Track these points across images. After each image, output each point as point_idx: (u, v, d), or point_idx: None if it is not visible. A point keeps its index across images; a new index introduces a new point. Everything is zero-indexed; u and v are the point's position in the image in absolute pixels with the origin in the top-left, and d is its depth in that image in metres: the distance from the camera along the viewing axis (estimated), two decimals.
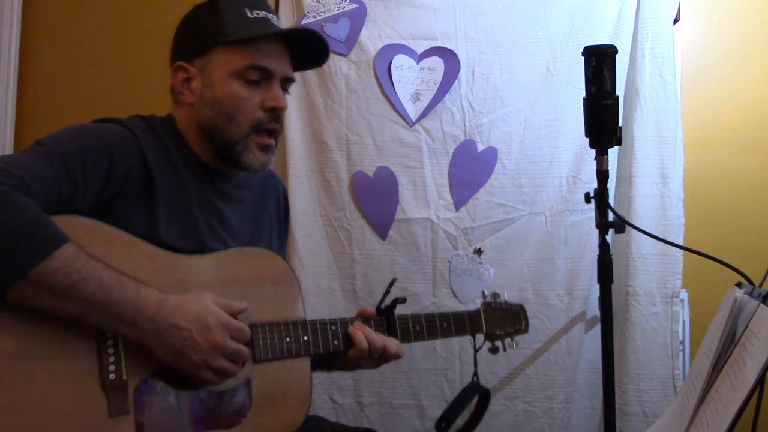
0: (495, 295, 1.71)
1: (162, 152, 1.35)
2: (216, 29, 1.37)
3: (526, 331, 1.72)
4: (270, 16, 1.41)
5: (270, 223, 1.57)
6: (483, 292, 1.73)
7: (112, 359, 1.20)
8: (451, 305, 2.14)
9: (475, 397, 1.67)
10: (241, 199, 1.49)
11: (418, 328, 1.54)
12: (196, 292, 1.26)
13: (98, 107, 2.41)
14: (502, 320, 1.68)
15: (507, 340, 1.68)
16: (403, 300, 1.53)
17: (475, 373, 1.69)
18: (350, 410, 2.15)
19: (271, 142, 1.41)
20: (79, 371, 1.17)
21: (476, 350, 1.67)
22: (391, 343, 1.47)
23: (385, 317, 1.51)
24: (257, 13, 1.39)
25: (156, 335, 1.19)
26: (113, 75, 2.44)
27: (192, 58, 1.40)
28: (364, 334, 1.43)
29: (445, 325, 1.58)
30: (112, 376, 1.19)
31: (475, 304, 2.12)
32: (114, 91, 2.42)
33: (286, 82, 1.43)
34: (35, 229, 1.11)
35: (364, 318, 1.50)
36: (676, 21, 2.12)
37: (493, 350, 1.67)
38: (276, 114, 1.39)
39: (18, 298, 1.11)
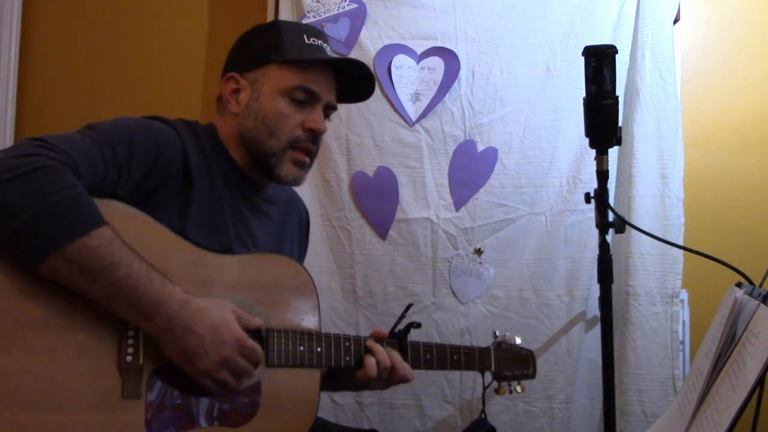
0: (506, 335, 1.73)
1: (202, 157, 1.40)
2: (273, 47, 1.45)
3: (533, 376, 1.74)
4: (325, 46, 1.50)
5: (291, 241, 1.63)
6: (494, 333, 1.75)
7: (131, 342, 1.22)
8: (451, 305, 2.14)
9: None
10: (268, 214, 1.54)
11: (428, 356, 1.57)
12: (221, 301, 1.28)
13: (98, 107, 2.41)
14: (510, 362, 1.70)
15: (514, 383, 1.70)
16: (418, 325, 1.57)
17: (483, 411, 1.73)
18: (350, 410, 2.14)
19: (306, 159, 1.47)
20: (98, 349, 1.20)
21: (485, 388, 1.69)
22: (401, 366, 1.50)
23: (398, 341, 1.54)
24: (314, 41, 1.48)
25: (170, 334, 1.21)
26: (113, 75, 2.44)
27: (245, 71, 1.47)
28: (377, 360, 1.46)
29: (455, 357, 1.61)
30: (129, 359, 1.21)
31: (474, 304, 2.13)
32: (114, 92, 2.42)
33: (328, 109, 1.50)
34: (78, 205, 1.14)
35: (378, 339, 1.52)
36: (676, 21, 2.12)
37: (500, 390, 1.70)
38: (314, 135, 1.46)
39: (50, 271, 1.14)
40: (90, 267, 1.14)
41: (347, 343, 1.46)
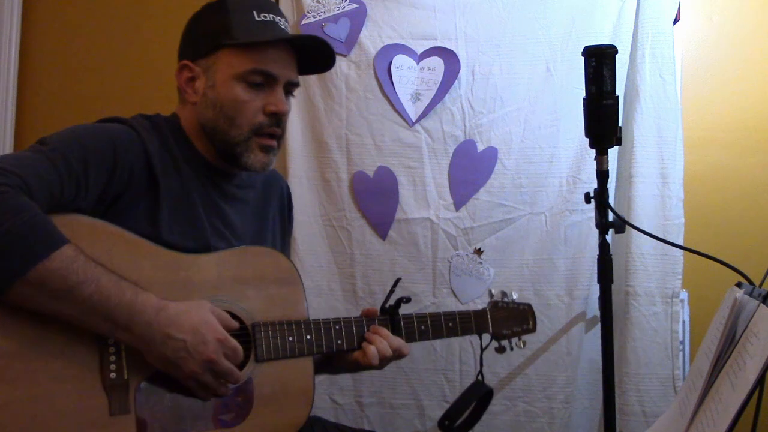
0: (503, 294, 1.71)
1: (166, 151, 1.36)
2: (222, 31, 1.37)
3: (533, 330, 1.71)
4: (278, 19, 1.41)
5: (273, 222, 1.57)
6: (490, 291, 1.73)
7: (113, 358, 1.20)
8: (451, 305, 2.14)
9: (479, 396, 1.66)
10: (245, 199, 1.49)
11: (423, 327, 1.54)
12: (198, 302, 1.26)
13: (98, 107, 2.41)
14: (508, 319, 1.67)
15: (514, 340, 1.68)
16: (408, 299, 1.54)
17: (480, 372, 1.69)
18: (350, 410, 2.14)
19: (273, 143, 1.41)
20: (80, 370, 1.17)
21: (482, 349, 1.67)
22: (400, 345, 1.48)
23: (389, 317, 1.51)
24: (264, 16, 1.39)
25: (150, 342, 1.19)
26: (113, 75, 2.44)
27: (197, 58, 1.40)
28: (377, 349, 1.44)
29: (450, 324, 1.58)
30: (113, 375, 1.19)
31: (474, 304, 2.13)
32: (114, 91, 2.42)
33: (290, 87, 1.43)
34: (34, 229, 1.10)
35: (369, 318, 1.50)
36: (676, 21, 2.12)
37: (500, 350, 1.67)
38: (277, 118, 1.39)
39: (16, 299, 1.11)
40: (56, 289, 1.11)
41: (337, 327, 1.44)
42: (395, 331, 1.50)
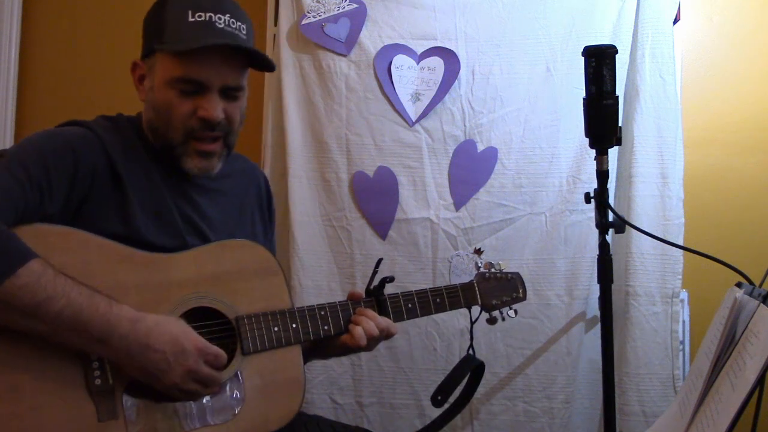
0: (490, 264, 1.68)
1: (129, 150, 1.34)
2: (156, 33, 1.35)
3: (524, 298, 1.67)
4: (216, 17, 1.33)
5: (252, 212, 1.55)
6: (476, 263, 1.69)
7: (96, 365, 1.19)
8: None
9: (470, 370, 1.64)
10: (220, 190, 1.47)
11: (410, 305, 1.52)
12: (171, 317, 1.24)
13: (98, 107, 2.39)
14: (497, 289, 1.64)
15: (505, 310, 1.65)
16: (391, 279, 1.52)
17: (471, 346, 1.67)
18: (350, 410, 2.14)
19: (211, 148, 1.36)
20: (64, 380, 1.16)
21: (472, 323, 1.64)
22: (387, 325, 1.45)
23: (375, 298, 1.50)
24: (199, 16, 1.32)
25: (128, 354, 1.17)
26: (113, 75, 2.43)
27: (144, 57, 1.40)
28: (364, 330, 1.42)
29: (438, 300, 1.56)
30: (98, 382, 1.18)
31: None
32: (114, 91, 2.41)
33: (228, 90, 1.36)
34: None
35: (354, 301, 1.48)
36: (676, 21, 2.12)
37: (491, 321, 1.64)
38: (209, 124, 1.34)
39: None
40: (25, 305, 1.09)
41: (323, 312, 1.42)
42: (382, 311, 1.48)
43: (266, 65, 1.41)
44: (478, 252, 2.15)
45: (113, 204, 1.28)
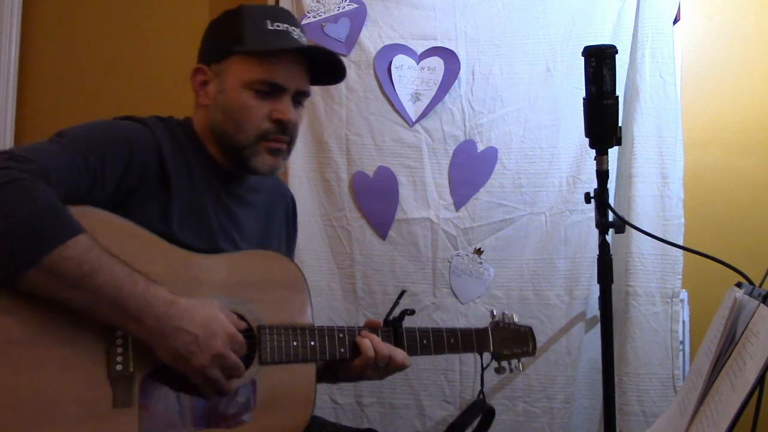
0: (503, 315, 1.72)
1: (178, 152, 1.38)
2: (235, 38, 1.40)
3: (533, 353, 1.72)
4: (291, 29, 1.42)
5: (279, 229, 1.59)
6: (492, 312, 1.73)
7: (120, 350, 1.20)
8: (451, 305, 2.14)
9: (480, 414, 1.67)
10: (253, 203, 1.51)
11: (425, 341, 1.55)
12: (206, 299, 1.27)
13: (98, 107, 2.41)
14: (509, 340, 1.68)
15: (513, 361, 1.69)
16: (412, 312, 1.55)
17: (481, 391, 1.71)
18: (350, 410, 2.14)
19: (281, 146, 1.43)
20: (86, 361, 1.18)
21: (483, 368, 1.68)
22: (398, 353, 1.49)
23: (392, 329, 1.52)
24: (278, 26, 1.41)
25: (160, 335, 1.19)
26: (113, 75, 2.44)
27: (211, 62, 1.43)
28: (371, 342, 1.45)
29: (452, 340, 1.59)
30: (119, 368, 1.20)
31: (475, 304, 2.13)
32: (114, 91, 2.42)
33: (299, 96, 1.45)
34: (51, 216, 1.12)
35: (372, 328, 1.51)
36: (676, 21, 2.12)
37: (499, 370, 1.68)
38: (283, 126, 1.41)
39: (29, 285, 1.12)
40: (70, 276, 1.12)
41: (341, 335, 1.44)
42: (398, 343, 1.51)
43: (334, 78, 1.51)
44: (478, 252, 2.15)
45: (156, 201, 1.32)
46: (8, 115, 2.39)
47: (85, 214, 1.18)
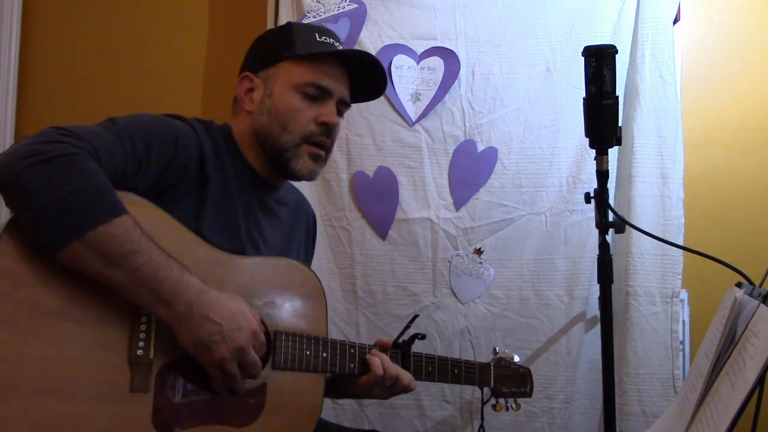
0: (505, 352, 1.75)
1: (217, 156, 1.41)
2: (285, 45, 1.48)
3: (530, 395, 1.76)
4: (337, 44, 1.51)
5: (299, 244, 1.63)
6: (494, 349, 1.76)
7: (143, 335, 1.23)
8: (450, 305, 2.14)
9: None
10: (278, 215, 1.55)
11: (430, 368, 1.59)
12: (235, 294, 1.29)
13: (98, 107, 2.41)
14: (509, 379, 1.72)
15: (510, 400, 1.73)
16: (423, 336, 1.58)
17: (482, 426, 1.76)
18: (350, 410, 2.14)
19: (321, 152, 1.48)
20: (110, 341, 1.20)
21: (483, 403, 1.72)
22: (405, 375, 1.51)
23: (401, 351, 1.55)
24: (325, 39, 1.49)
25: (188, 321, 1.21)
26: (113, 75, 2.44)
27: (259, 70, 1.49)
28: (381, 361, 1.48)
29: (455, 371, 1.63)
30: (140, 352, 1.22)
31: (474, 304, 2.13)
32: (114, 92, 2.43)
33: (342, 105, 1.51)
34: (100, 193, 1.16)
35: (382, 347, 1.54)
36: (676, 21, 2.12)
37: (496, 407, 1.72)
38: (328, 129, 1.46)
39: (70, 258, 1.15)
40: (110, 253, 1.15)
41: (352, 351, 1.48)
42: (404, 366, 1.54)
43: (372, 94, 1.60)
44: (478, 252, 2.15)
45: (191, 199, 1.35)
46: (8, 115, 2.39)
47: (126, 199, 1.21)
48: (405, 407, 2.15)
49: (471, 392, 2.12)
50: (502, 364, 1.72)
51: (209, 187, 1.37)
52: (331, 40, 1.50)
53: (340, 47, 1.51)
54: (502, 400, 1.72)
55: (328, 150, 1.50)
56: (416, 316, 1.62)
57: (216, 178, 1.39)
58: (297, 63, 1.45)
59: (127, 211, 1.18)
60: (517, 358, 1.76)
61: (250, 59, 1.53)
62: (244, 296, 1.33)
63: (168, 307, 1.20)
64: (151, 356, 1.23)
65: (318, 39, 1.48)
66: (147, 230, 1.20)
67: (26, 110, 2.44)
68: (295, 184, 2.13)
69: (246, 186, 1.46)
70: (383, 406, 2.15)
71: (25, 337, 1.13)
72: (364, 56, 1.54)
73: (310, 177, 1.48)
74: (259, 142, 1.47)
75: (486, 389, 1.71)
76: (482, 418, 1.75)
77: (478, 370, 1.68)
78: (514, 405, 1.73)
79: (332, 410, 2.13)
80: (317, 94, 1.45)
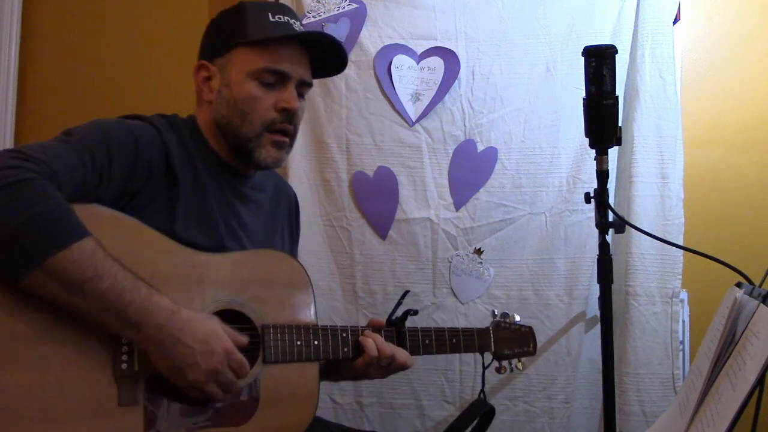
0: (504, 315, 1.73)
1: (184, 151, 1.38)
2: (237, 30, 1.42)
3: (533, 353, 1.73)
4: (292, 21, 1.44)
5: (282, 227, 1.60)
6: (493, 312, 1.74)
7: (125, 349, 1.21)
8: (451, 305, 2.14)
9: (480, 414, 1.68)
10: (257, 201, 1.52)
11: (427, 341, 1.56)
12: (208, 315, 1.27)
13: (98, 107, 2.41)
14: (510, 340, 1.69)
15: (514, 361, 1.70)
16: (415, 312, 1.56)
17: (482, 390, 1.73)
18: (350, 410, 2.14)
19: (285, 139, 1.44)
20: (92, 359, 1.18)
21: (485, 368, 1.70)
22: (401, 353, 1.49)
23: (395, 329, 1.53)
24: (279, 18, 1.43)
25: (159, 345, 1.19)
26: (113, 75, 2.44)
27: (214, 58, 1.44)
28: (374, 342, 1.46)
29: (454, 340, 1.60)
30: (124, 366, 1.20)
31: (474, 304, 2.13)
32: (114, 91, 2.42)
33: (302, 87, 1.46)
34: (57, 218, 1.12)
35: (375, 328, 1.51)
36: (676, 21, 2.12)
37: (500, 369, 1.69)
38: (289, 115, 1.42)
39: (31, 286, 1.12)
40: (72, 280, 1.12)
41: (344, 335, 1.45)
42: (400, 343, 1.52)
43: (334, 69, 1.55)
44: (478, 252, 2.15)
45: (163, 200, 1.32)
46: (8, 115, 2.39)
47: (92, 212, 1.19)
48: (405, 407, 2.15)
49: (471, 392, 2.12)
50: (502, 325, 1.69)
51: (179, 185, 1.33)
52: (286, 18, 1.44)
53: (297, 25, 1.45)
54: (505, 362, 1.69)
55: (292, 136, 1.45)
56: (407, 291, 1.60)
57: (185, 173, 1.35)
58: (250, 49, 1.40)
59: (88, 233, 1.14)
60: (517, 318, 1.72)
61: (205, 46, 1.48)
62: (228, 294, 1.32)
63: (138, 330, 1.17)
64: (136, 368, 1.21)
65: (271, 19, 1.42)
66: (117, 242, 1.18)
67: (26, 110, 2.44)
68: (293, 182, 2.16)
69: (217, 177, 1.42)
70: (383, 406, 2.15)
71: (4, 367, 1.11)
72: (318, 35, 1.51)
73: (275, 165, 1.45)
74: (221, 132, 1.43)
75: (487, 354, 1.68)
76: (483, 384, 1.73)
77: (477, 336, 1.64)
78: (519, 365, 1.70)
79: (332, 410, 2.13)
80: (275, 80, 1.41)
